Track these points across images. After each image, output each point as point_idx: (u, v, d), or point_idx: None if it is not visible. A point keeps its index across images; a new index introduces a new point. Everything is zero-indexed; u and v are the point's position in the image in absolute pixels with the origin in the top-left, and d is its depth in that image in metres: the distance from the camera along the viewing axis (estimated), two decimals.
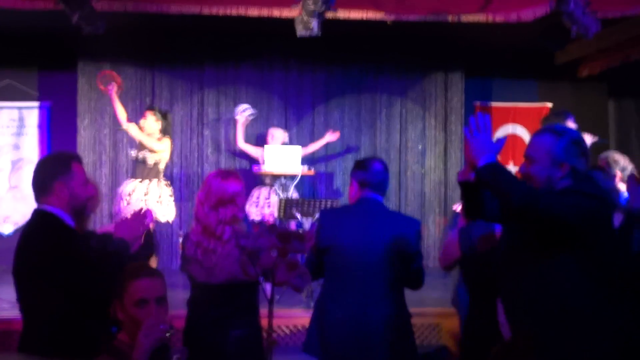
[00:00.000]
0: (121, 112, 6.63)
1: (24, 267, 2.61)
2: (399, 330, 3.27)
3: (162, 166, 6.55)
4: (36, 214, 2.69)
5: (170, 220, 6.71)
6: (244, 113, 7.32)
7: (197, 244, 3.04)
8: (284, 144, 7.31)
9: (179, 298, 5.61)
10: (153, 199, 6.36)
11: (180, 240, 7.90)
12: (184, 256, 3.16)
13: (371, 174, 3.35)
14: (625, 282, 2.68)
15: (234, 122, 8.16)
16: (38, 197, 2.70)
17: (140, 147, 6.49)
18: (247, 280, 3.02)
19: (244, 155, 8.16)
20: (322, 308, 3.36)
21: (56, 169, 2.70)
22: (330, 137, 7.65)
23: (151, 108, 6.79)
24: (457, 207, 4.46)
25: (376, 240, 3.24)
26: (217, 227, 3.01)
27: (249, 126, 7.69)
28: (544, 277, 2.42)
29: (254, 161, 7.52)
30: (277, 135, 7.30)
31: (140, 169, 6.47)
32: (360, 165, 3.41)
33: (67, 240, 2.59)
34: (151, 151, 6.43)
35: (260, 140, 7.86)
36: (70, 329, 2.54)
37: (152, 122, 6.51)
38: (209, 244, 3.00)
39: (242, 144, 7.41)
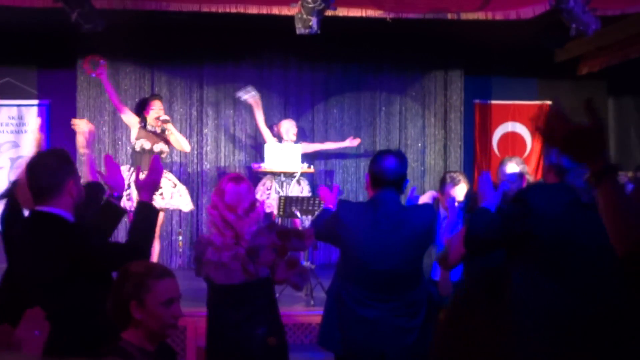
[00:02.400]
0: (118, 99, 6.58)
1: (44, 275, 2.54)
2: (424, 319, 3.22)
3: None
4: (44, 217, 2.58)
5: (192, 208, 6.66)
6: (251, 94, 7.26)
7: (224, 248, 3.05)
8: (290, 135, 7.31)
9: None
10: (168, 192, 6.27)
11: (180, 238, 7.91)
12: (199, 260, 3.14)
13: (383, 170, 3.15)
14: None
15: (233, 119, 8.19)
16: (43, 198, 2.60)
17: (154, 139, 6.27)
18: (262, 279, 3.03)
19: (243, 152, 8.17)
20: (342, 304, 3.21)
21: (67, 169, 2.64)
22: (351, 142, 7.61)
23: (157, 96, 6.64)
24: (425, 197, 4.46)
25: (392, 246, 3.10)
26: (247, 231, 3.06)
27: (252, 122, 7.69)
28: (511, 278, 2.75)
29: (253, 159, 7.52)
30: (289, 126, 7.28)
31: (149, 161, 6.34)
32: (374, 160, 3.22)
33: (90, 241, 2.57)
34: (167, 143, 6.34)
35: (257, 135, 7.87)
36: (87, 327, 2.52)
37: (160, 113, 6.36)
38: (238, 248, 3.03)
39: (263, 127, 7.32)
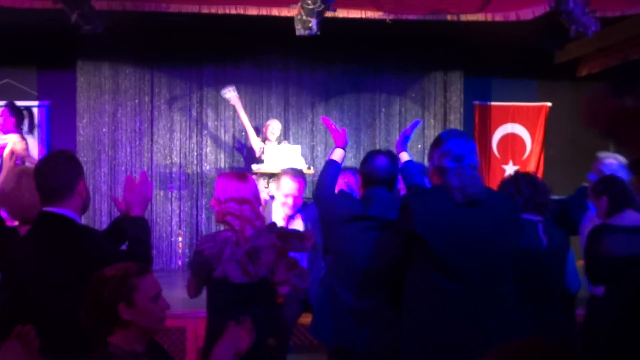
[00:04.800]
0: None
1: (53, 275, 2.53)
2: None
3: None
4: (53, 218, 2.57)
5: None
6: (230, 93, 7.31)
7: (249, 243, 2.99)
8: (279, 137, 7.31)
9: (178, 298, 5.64)
10: None
11: (180, 239, 7.91)
12: (216, 259, 2.97)
13: (374, 169, 3.18)
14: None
15: (233, 120, 8.19)
16: (53, 198, 2.58)
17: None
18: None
19: (242, 153, 8.17)
20: (334, 295, 3.22)
21: (77, 170, 2.64)
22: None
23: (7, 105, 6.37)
24: None
25: (383, 246, 3.10)
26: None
27: (252, 123, 7.71)
28: None
29: (252, 160, 7.52)
30: (276, 125, 7.27)
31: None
32: (364, 160, 3.27)
33: (98, 244, 2.58)
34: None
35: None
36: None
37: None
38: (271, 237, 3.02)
39: (248, 125, 7.34)
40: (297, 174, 4.08)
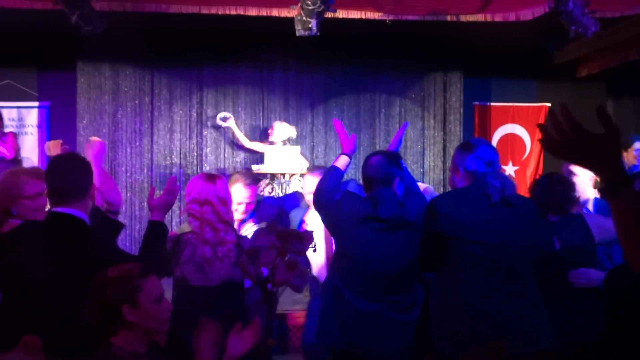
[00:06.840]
0: None
1: (61, 275, 2.52)
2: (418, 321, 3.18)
3: None
4: (64, 218, 2.58)
5: None
6: (226, 121, 7.51)
7: (217, 244, 3.00)
8: (290, 138, 7.31)
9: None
10: None
11: None
12: (174, 260, 3.03)
13: (372, 170, 3.18)
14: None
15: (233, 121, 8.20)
16: (65, 199, 2.58)
17: None
18: (236, 283, 3.00)
19: (242, 154, 8.17)
20: (340, 298, 3.19)
21: (89, 172, 2.66)
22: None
23: None
24: None
25: (393, 250, 3.09)
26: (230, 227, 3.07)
27: (252, 124, 7.72)
28: None
29: (253, 160, 7.53)
30: (280, 128, 7.28)
31: None
32: (363, 163, 3.27)
33: (108, 246, 2.60)
34: None
35: (263, 135, 7.87)
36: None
37: None
38: (229, 244, 3.00)
39: (249, 144, 7.48)
40: (248, 181, 3.99)
